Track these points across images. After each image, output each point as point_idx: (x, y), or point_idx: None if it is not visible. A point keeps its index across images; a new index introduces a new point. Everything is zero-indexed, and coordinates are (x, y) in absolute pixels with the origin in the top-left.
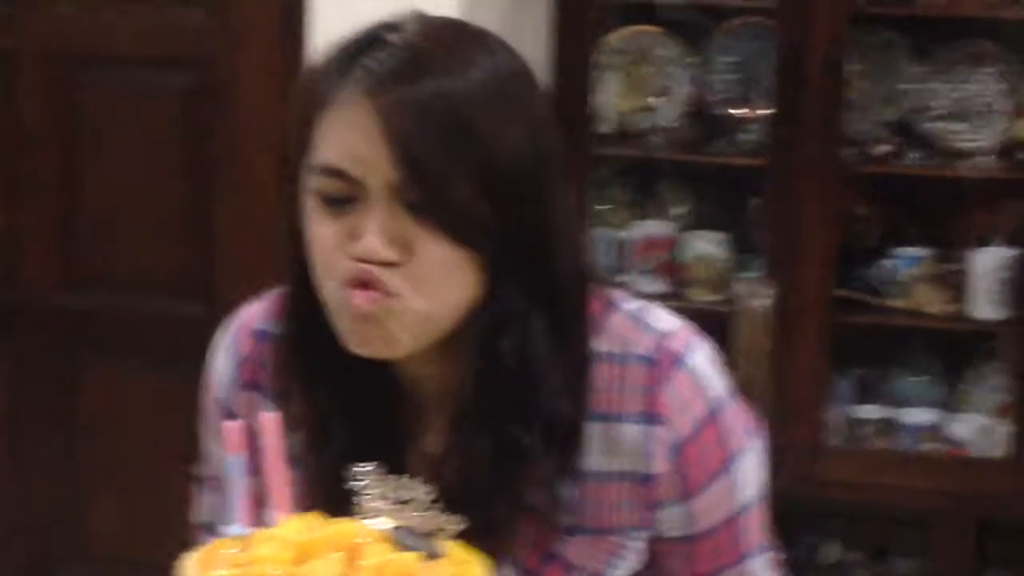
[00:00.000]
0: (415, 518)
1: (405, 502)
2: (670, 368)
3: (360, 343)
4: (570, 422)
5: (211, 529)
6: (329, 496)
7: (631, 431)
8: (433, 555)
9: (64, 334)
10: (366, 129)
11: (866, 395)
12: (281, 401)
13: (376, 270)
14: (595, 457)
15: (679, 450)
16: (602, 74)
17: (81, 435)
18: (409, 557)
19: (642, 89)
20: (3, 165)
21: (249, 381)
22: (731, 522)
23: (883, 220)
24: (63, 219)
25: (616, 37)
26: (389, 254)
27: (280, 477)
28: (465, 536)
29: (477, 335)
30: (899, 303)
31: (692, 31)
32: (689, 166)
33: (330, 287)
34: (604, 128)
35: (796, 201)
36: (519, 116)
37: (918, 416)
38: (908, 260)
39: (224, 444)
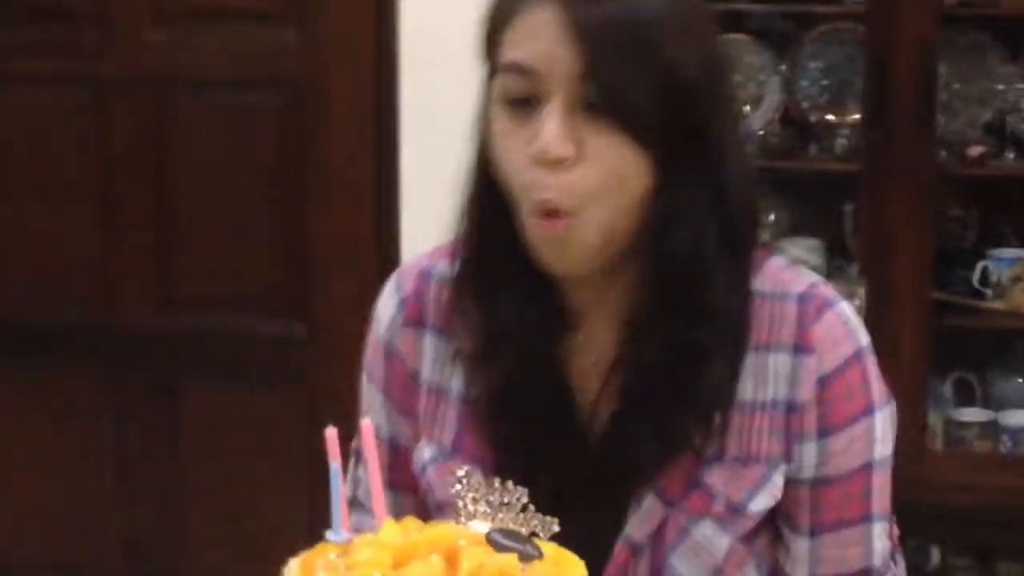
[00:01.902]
0: (512, 520)
1: (502, 505)
2: (822, 307)
3: (550, 262)
4: (739, 321)
5: (357, 505)
6: (495, 421)
7: (782, 360)
8: (530, 557)
9: (162, 356)
10: (553, 30)
11: (967, 398)
12: (444, 334)
13: (555, 190)
14: (746, 386)
15: (825, 381)
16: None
17: (181, 456)
18: (506, 559)
19: None
20: (98, 190)
21: (412, 317)
22: (863, 473)
23: (979, 221)
24: (158, 242)
25: None
26: (564, 149)
27: (379, 482)
28: (609, 470)
29: (650, 233)
30: (997, 305)
31: (781, 38)
32: (782, 173)
33: (523, 208)
34: None
35: (890, 205)
36: (696, 38)
37: (1020, 418)
38: (1005, 261)
39: (326, 451)
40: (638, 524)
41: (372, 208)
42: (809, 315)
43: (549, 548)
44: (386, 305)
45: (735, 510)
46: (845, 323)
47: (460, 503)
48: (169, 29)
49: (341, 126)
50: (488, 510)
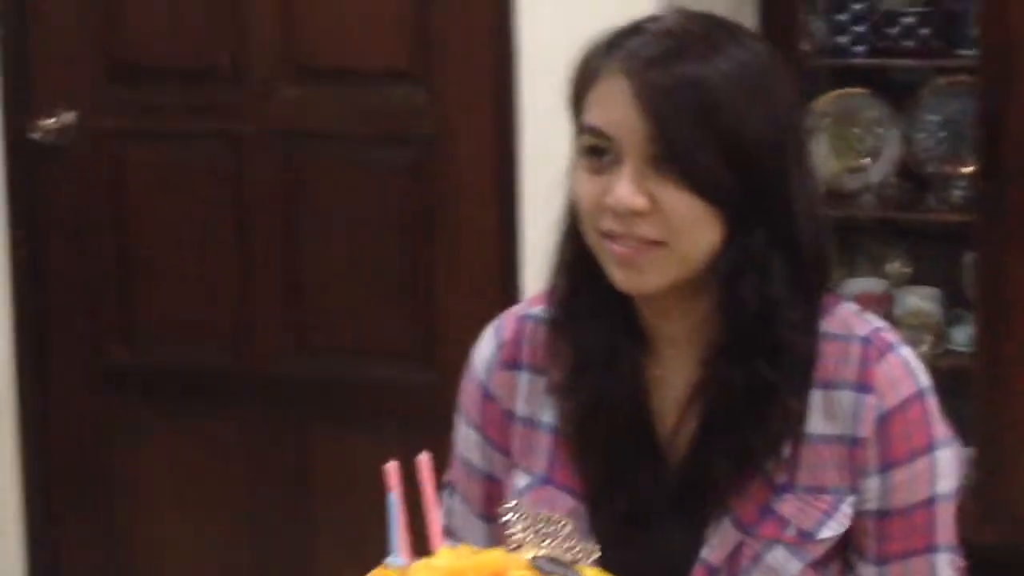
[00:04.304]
0: (556, 547)
1: (548, 534)
2: (884, 350)
3: (623, 282)
4: (807, 360)
5: (450, 534)
6: (582, 446)
7: (846, 397)
8: None
9: (293, 400)
10: (624, 98)
11: None
12: (538, 371)
13: (631, 222)
14: (814, 421)
15: (885, 419)
16: (812, 137)
17: (312, 500)
18: None
19: (851, 150)
20: (235, 238)
21: (509, 360)
22: (928, 506)
23: None
24: (290, 290)
25: (824, 100)
26: (636, 202)
27: (435, 512)
28: (687, 494)
29: (720, 278)
30: None
31: (898, 92)
32: (900, 224)
33: (592, 236)
34: None
35: (1007, 254)
36: (762, 102)
37: None
38: None
39: (386, 482)
40: (714, 548)
41: (496, 258)
42: (871, 356)
43: (591, 573)
44: (484, 350)
45: (806, 537)
46: (905, 365)
47: (510, 532)
48: (303, 87)
49: (466, 179)
50: (535, 538)
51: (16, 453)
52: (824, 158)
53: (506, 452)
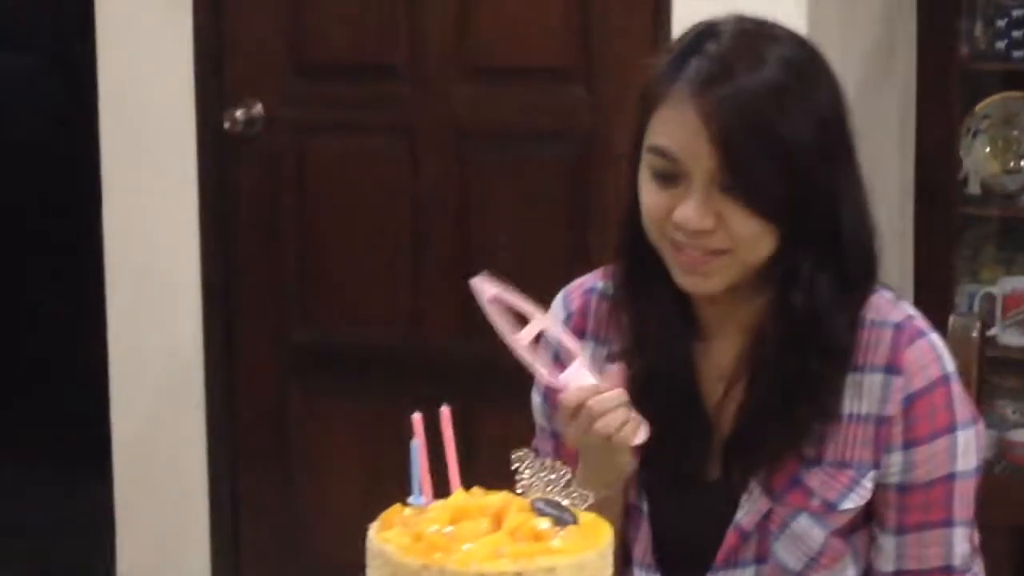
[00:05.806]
0: (557, 493)
1: (550, 480)
2: (914, 335)
3: (688, 285)
4: (846, 351)
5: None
6: (643, 400)
7: (875, 379)
8: (565, 522)
9: (462, 381)
10: (691, 124)
11: None
12: (601, 340)
13: (698, 236)
14: (845, 401)
15: (911, 400)
16: (971, 139)
17: (477, 477)
18: (543, 522)
19: (1010, 152)
20: (409, 227)
21: (576, 329)
22: (946, 482)
23: None
24: (461, 274)
25: (983, 104)
26: (705, 223)
27: (453, 460)
28: (729, 463)
29: (773, 283)
30: None
31: None
32: None
33: (657, 240)
34: (972, 190)
35: None
36: (806, 100)
37: None
38: None
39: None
40: (747, 513)
41: None
42: (902, 341)
43: (586, 516)
44: (554, 320)
45: (829, 507)
46: (933, 350)
47: (517, 478)
48: (474, 85)
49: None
50: (539, 483)
51: (203, 428)
52: (983, 160)
53: None
